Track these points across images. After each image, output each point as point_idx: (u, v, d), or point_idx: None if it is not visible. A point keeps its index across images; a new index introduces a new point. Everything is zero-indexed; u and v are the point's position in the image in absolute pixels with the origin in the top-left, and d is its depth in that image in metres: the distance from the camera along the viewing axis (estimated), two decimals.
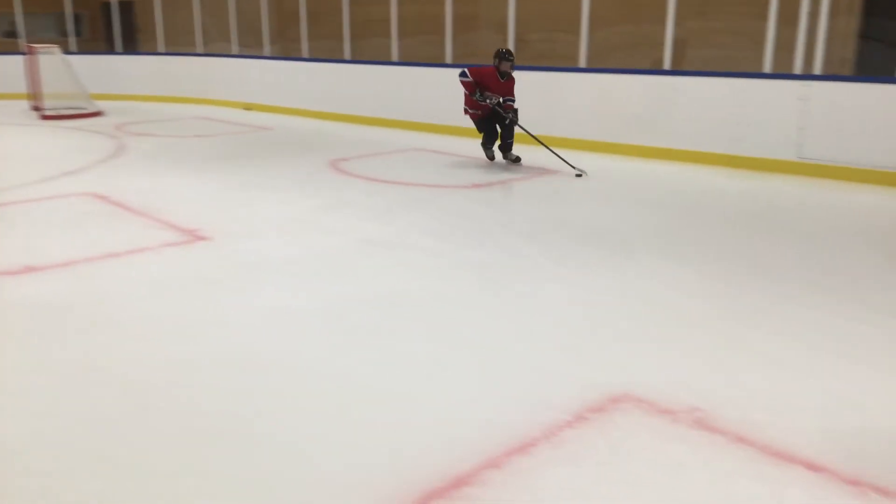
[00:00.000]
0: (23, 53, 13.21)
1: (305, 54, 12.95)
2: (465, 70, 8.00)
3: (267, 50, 13.77)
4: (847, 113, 7.35)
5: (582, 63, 9.37)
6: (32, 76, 12.60)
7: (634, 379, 3.13)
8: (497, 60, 7.95)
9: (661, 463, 2.53)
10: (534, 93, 8.86)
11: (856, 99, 7.30)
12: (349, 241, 5.23)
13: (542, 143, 8.07)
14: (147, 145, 9.70)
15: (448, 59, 10.77)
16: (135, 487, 2.41)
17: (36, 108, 12.60)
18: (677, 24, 8.53)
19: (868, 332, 3.68)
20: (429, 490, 2.36)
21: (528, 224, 6.06)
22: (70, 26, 15.31)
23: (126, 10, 15.69)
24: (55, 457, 2.59)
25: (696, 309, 3.99)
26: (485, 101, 7.92)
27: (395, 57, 11.49)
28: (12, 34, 15.26)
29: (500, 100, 7.92)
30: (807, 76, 7.65)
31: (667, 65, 8.63)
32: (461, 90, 8.11)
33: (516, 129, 8.10)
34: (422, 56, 11.24)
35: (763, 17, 7.90)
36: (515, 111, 8.01)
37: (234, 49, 14.28)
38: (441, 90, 10.77)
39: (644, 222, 5.97)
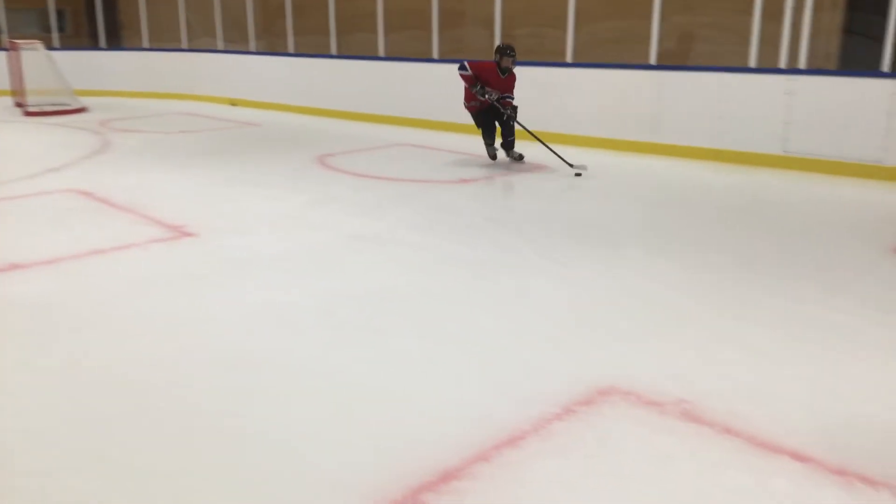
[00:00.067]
0: (5, 49, 13.11)
1: (291, 49, 12.90)
2: (465, 63, 7.77)
3: (252, 45, 13.70)
4: (832, 107, 7.40)
5: (569, 58, 9.38)
6: (15, 72, 12.49)
7: (622, 371, 3.15)
8: (498, 56, 7.75)
9: (648, 454, 2.55)
10: (522, 88, 8.86)
11: (840, 93, 7.35)
12: (337, 237, 5.23)
13: (541, 141, 7.93)
14: (132, 141, 9.64)
15: (435, 55, 10.76)
16: (126, 486, 2.40)
17: (19, 105, 12.49)
18: (663, 18, 8.55)
19: (853, 324, 3.71)
20: (418, 484, 2.36)
21: (515, 219, 6.07)
22: (53, 22, 15.17)
23: (110, 5, 15.56)
24: (44, 456, 2.57)
25: (682, 302, 4.01)
26: (483, 97, 7.73)
27: (381, 52, 11.46)
28: None
29: (498, 96, 7.73)
30: (792, 71, 7.70)
31: (653, 59, 8.65)
32: (449, 85, 8.12)
33: (516, 126, 7.94)
34: (408, 51, 11.22)
35: (748, 11, 7.94)
36: (514, 108, 7.81)
37: (220, 44, 14.20)
38: (428, 85, 10.78)
39: (631, 216, 6.00)
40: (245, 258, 4.76)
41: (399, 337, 3.56)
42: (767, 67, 7.89)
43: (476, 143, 9.16)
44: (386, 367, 3.24)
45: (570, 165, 7.50)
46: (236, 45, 13.99)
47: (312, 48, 12.62)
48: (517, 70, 7.87)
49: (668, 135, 8.52)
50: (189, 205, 6.15)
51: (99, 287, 4.23)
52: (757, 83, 7.88)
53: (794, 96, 7.60)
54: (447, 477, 2.40)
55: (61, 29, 15.57)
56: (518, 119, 7.84)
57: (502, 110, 7.79)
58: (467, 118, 9.96)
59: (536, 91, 9.12)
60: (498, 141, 8.06)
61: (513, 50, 7.73)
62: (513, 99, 7.83)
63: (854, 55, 7.90)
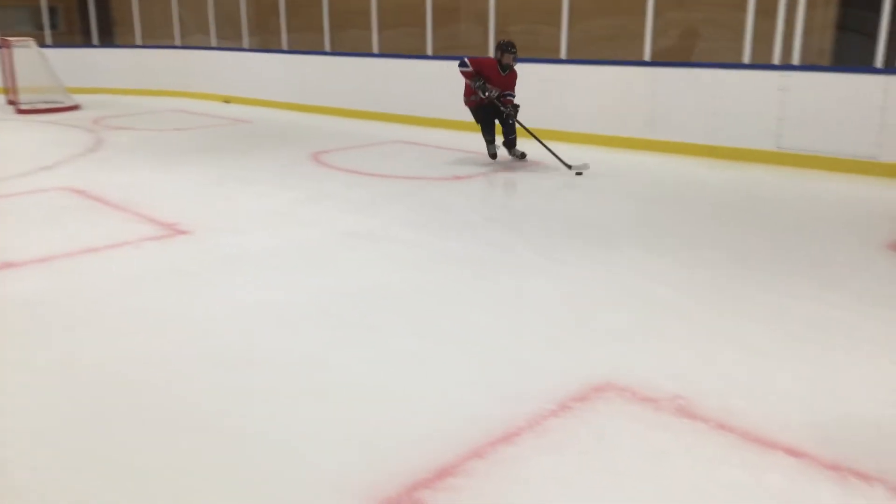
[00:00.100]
0: None
1: (285, 46, 12.86)
2: (465, 59, 7.61)
3: (246, 42, 13.66)
4: (825, 103, 7.41)
5: (563, 55, 9.38)
6: (7, 70, 12.43)
7: (617, 368, 3.15)
8: (499, 53, 7.59)
9: (643, 450, 2.55)
10: (520, 85, 8.85)
11: (834, 89, 7.36)
12: (331, 235, 5.22)
13: (541, 142, 7.73)
14: (125, 139, 9.61)
15: (429, 51, 10.74)
16: (123, 484, 2.39)
17: (11, 103, 12.44)
18: (657, 15, 8.55)
19: (848, 320, 3.72)
20: (413, 481, 2.36)
21: (510, 216, 6.08)
22: (45, 19, 15.11)
23: (102, 2, 15.50)
24: (42, 455, 2.57)
25: (677, 299, 4.02)
26: (485, 94, 7.55)
27: (375, 49, 11.44)
28: None
29: (500, 93, 7.57)
30: (785, 67, 7.70)
31: (647, 56, 8.66)
32: (443, 82, 8.09)
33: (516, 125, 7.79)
34: (402, 48, 11.21)
35: (742, 8, 7.94)
36: (515, 107, 7.64)
37: (213, 41, 14.16)
38: (422, 82, 10.77)
39: (625, 213, 6.00)
40: (239, 255, 4.75)
41: (393, 334, 3.56)
42: (761, 64, 7.89)
43: (469, 139, 9.17)
44: (380, 365, 3.23)
45: (569, 167, 7.31)
46: (230, 42, 13.95)
47: (306, 45, 12.60)
48: (517, 67, 7.73)
49: (662, 131, 8.53)
50: (183, 202, 6.13)
51: (93, 285, 4.22)
52: (751, 79, 7.89)
53: (787, 92, 7.61)
54: (443, 474, 2.40)
55: (54, 26, 15.50)
56: (517, 118, 7.71)
57: (502, 109, 7.63)
58: (461, 115, 9.93)
59: (531, 88, 9.12)
60: (499, 139, 7.93)
61: (514, 47, 7.58)
62: (514, 97, 7.69)
63: (847, 51, 7.92)
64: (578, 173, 7.24)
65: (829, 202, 6.27)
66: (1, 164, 7.95)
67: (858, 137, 7.23)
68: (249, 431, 2.70)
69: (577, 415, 2.77)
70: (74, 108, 12.41)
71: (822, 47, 8.08)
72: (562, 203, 6.34)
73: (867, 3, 7.31)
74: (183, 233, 5.18)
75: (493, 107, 7.69)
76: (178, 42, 14.69)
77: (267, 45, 13.51)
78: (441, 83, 10.53)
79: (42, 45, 13.30)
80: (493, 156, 7.92)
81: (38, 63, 12.46)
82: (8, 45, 12.37)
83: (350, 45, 11.99)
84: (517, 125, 7.79)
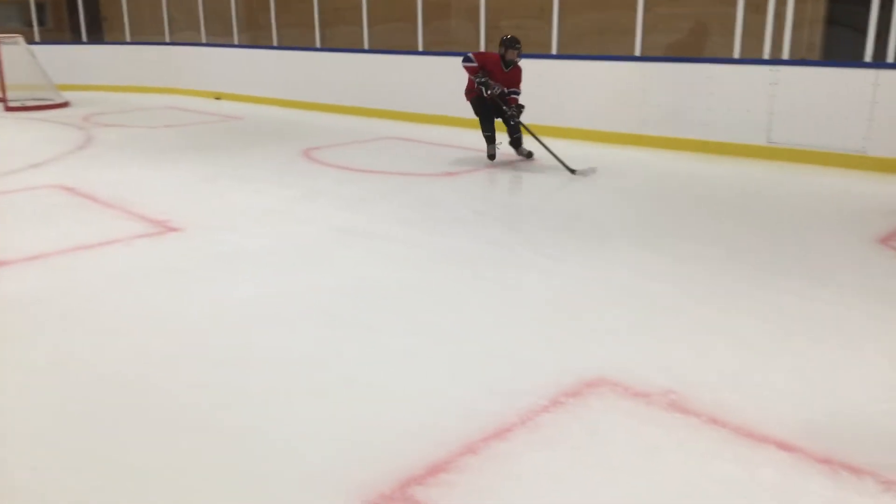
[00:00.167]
0: None
1: (275, 42, 12.83)
2: (470, 55, 7.39)
3: (236, 38, 13.62)
4: (815, 97, 7.43)
5: (553, 50, 9.38)
6: None
7: (609, 363, 3.16)
8: (503, 48, 7.34)
9: (636, 445, 2.56)
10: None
11: (824, 83, 7.39)
12: (323, 231, 5.21)
13: (545, 145, 7.44)
14: (115, 136, 9.57)
15: (420, 47, 10.73)
16: (118, 484, 2.39)
17: (0, 100, 12.36)
18: (647, 10, 8.56)
19: (839, 314, 3.74)
20: (406, 477, 2.36)
21: (503, 212, 6.08)
22: (34, 16, 15.01)
23: None
24: (40, 455, 2.56)
25: (669, 293, 4.03)
26: (488, 92, 7.30)
27: (366, 45, 11.42)
28: None
29: (504, 91, 7.34)
30: (775, 61, 7.72)
31: (637, 51, 8.67)
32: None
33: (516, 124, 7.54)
34: (393, 43, 11.19)
35: (731, 2, 7.96)
36: (519, 107, 7.40)
37: (203, 38, 14.10)
38: (413, 78, 10.75)
39: (618, 208, 6.01)
40: (231, 253, 4.74)
41: (386, 331, 3.55)
42: (751, 58, 7.91)
43: (461, 135, 9.19)
44: (374, 362, 3.23)
45: (572, 171, 7.06)
46: (219, 38, 13.90)
47: (296, 41, 12.57)
48: (521, 63, 7.50)
49: (653, 126, 8.54)
50: (174, 200, 6.11)
51: (86, 283, 4.20)
52: (741, 74, 7.91)
53: (778, 87, 7.63)
54: (435, 470, 2.40)
55: (42, 23, 15.41)
56: (520, 119, 7.49)
57: (505, 108, 7.39)
58: (453, 111, 9.95)
59: (522, 84, 9.11)
60: (501, 137, 7.65)
61: (518, 42, 7.34)
62: (519, 94, 7.45)
63: (837, 46, 7.94)
64: (583, 175, 7.05)
65: (819, 196, 6.29)
66: None
67: (848, 132, 7.25)
68: (244, 429, 2.69)
69: (569, 410, 2.78)
70: (64, 105, 12.35)
71: (812, 42, 8.11)
72: (554, 199, 6.34)
73: None
74: (174, 230, 5.17)
75: (495, 104, 7.46)
76: (167, 38, 14.63)
77: (257, 41, 13.47)
78: (432, 79, 10.54)
79: (30, 41, 13.21)
80: (492, 157, 7.63)
81: (26, 60, 12.38)
82: None
83: (341, 41, 11.96)
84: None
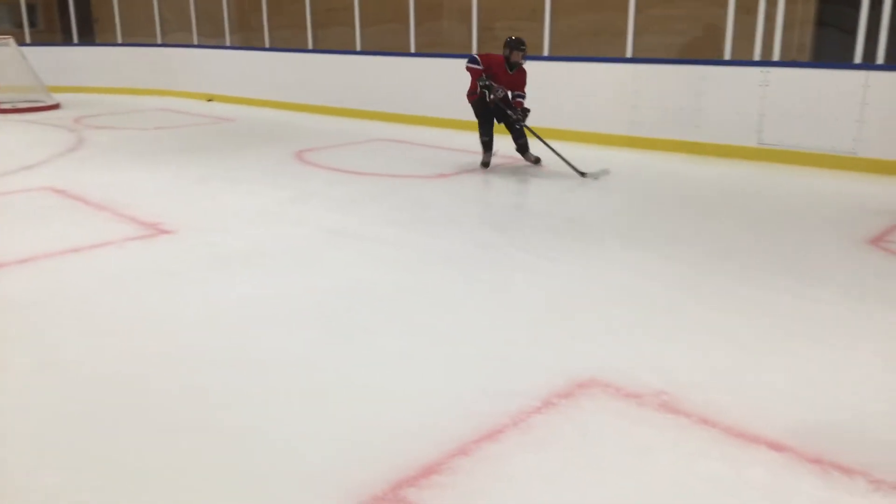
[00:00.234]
0: None
1: (267, 44, 12.81)
2: (475, 56, 7.18)
3: (228, 40, 13.60)
4: (806, 98, 7.47)
5: (546, 51, 9.39)
6: None
7: (601, 364, 3.16)
8: (507, 50, 7.11)
9: (627, 446, 2.57)
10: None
11: (814, 85, 7.42)
12: (316, 233, 5.21)
13: (553, 149, 7.25)
14: (107, 138, 9.54)
15: (412, 49, 10.73)
16: (117, 484, 2.39)
17: None
18: (638, 11, 8.58)
19: (829, 314, 3.76)
20: (398, 478, 2.36)
21: (493, 213, 6.09)
22: (24, 17, 14.96)
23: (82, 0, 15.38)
24: (39, 456, 2.56)
25: (660, 294, 4.04)
26: (490, 97, 7.10)
27: (358, 46, 11.42)
28: None
29: (509, 94, 7.16)
30: (766, 63, 7.76)
31: (629, 53, 8.69)
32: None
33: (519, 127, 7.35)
34: (385, 45, 11.19)
35: (722, 4, 7.99)
36: (525, 110, 7.19)
37: (194, 39, 14.08)
38: (405, 80, 10.76)
39: (609, 209, 6.02)
40: (224, 255, 4.73)
41: (378, 332, 3.55)
42: (742, 60, 7.95)
43: (452, 136, 9.22)
44: (366, 363, 3.23)
45: (583, 175, 6.95)
46: (211, 39, 13.88)
47: (288, 42, 12.56)
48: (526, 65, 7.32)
49: (644, 128, 8.56)
50: (166, 202, 6.10)
51: (79, 285, 4.19)
52: (732, 75, 7.94)
53: (768, 88, 7.67)
54: (427, 471, 2.40)
55: (33, 24, 15.36)
56: (526, 123, 7.30)
57: (510, 112, 7.20)
58: (445, 112, 9.95)
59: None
60: (497, 146, 7.52)
61: (524, 44, 7.12)
62: (524, 98, 7.25)
63: (827, 47, 7.98)
64: (595, 177, 6.96)
65: (809, 197, 6.32)
66: None
67: (838, 133, 7.29)
68: (242, 429, 2.69)
69: (561, 411, 2.78)
70: (55, 107, 12.31)
71: (802, 43, 8.14)
72: (546, 200, 6.36)
73: None
74: (166, 232, 5.16)
75: (497, 107, 7.25)
76: (159, 40, 14.60)
77: (249, 42, 13.45)
78: (424, 81, 10.54)
79: (21, 43, 13.17)
80: (486, 165, 7.43)
81: (17, 61, 12.35)
82: None
83: (333, 43, 11.95)
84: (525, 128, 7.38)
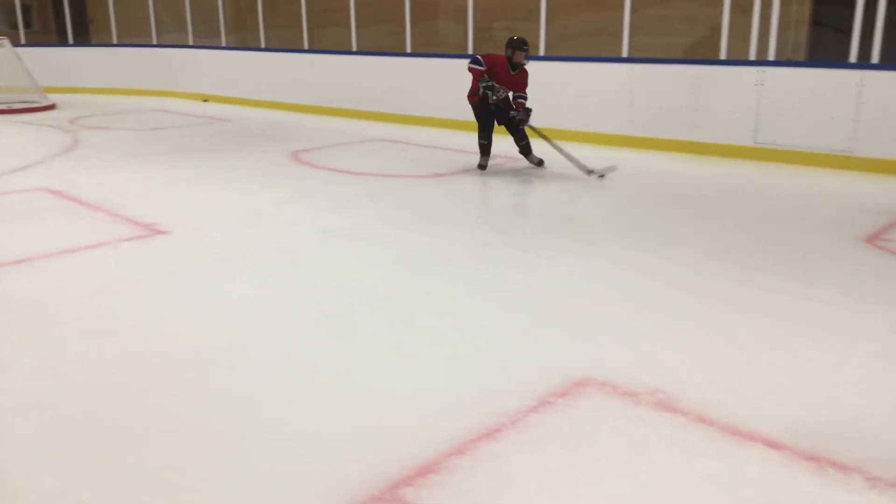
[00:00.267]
0: None
1: (263, 44, 12.80)
2: (478, 57, 7.03)
3: (223, 40, 13.58)
4: (801, 98, 7.49)
5: (542, 51, 9.40)
6: None
7: (598, 363, 3.17)
8: (510, 50, 7.00)
9: (624, 444, 2.57)
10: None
11: (809, 84, 7.44)
12: (313, 233, 5.20)
13: (558, 147, 7.19)
14: (102, 139, 9.53)
15: (408, 49, 10.73)
16: (117, 485, 2.38)
17: None
18: (634, 11, 8.59)
19: (825, 313, 3.77)
20: (396, 478, 2.36)
21: (491, 213, 6.09)
22: (19, 18, 14.93)
23: (77, 0, 15.34)
24: (38, 455, 2.56)
25: (657, 293, 4.04)
26: (492, 98, 7.01)
27: (354, 46, 11.42)
28: None
29: (510, 95, 7.05)
30: (761, 62, 7.77)
31: (625, 52, 8.70)
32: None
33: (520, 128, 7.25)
34: (381, 45, 11.19)
35: (718, 4, 8.00)
36: (527, 111, 7.08)
37: (190, 39, 14.06)
38: (401, 80, 10.76)
39: (606, 209, 6.03)
40: (220, 255, 4.72)
41: (375, 332, 3.55)
42: (738, 60, 7.96)
43: (448, 136, 9.21)
44: (362, 362, 3.23)
45: (589, 172, 6.93)
46: (207, 40, 13.86)
47: (284, 43, 12.55)
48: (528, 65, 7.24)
49: (641, 127, 8.57)
50: (161, 202, 6.09)
51: (76, 286, 4.17)
52: (728, 75, 7.95)
53: (764, 88, 7.68)
54: (425, 471, 2.40)
55: (28, 25, 15.33)
56: (530, 123, 7.21)
57: (513, 113, 7.10)
58: (440, 112, 9.94)
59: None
60: (500, 141, 7.45)
61: (526, 44, 7.03)
62: (526, 99, 7.14)
63: (822, 46, 8.00)
64: (601, 176, 6.93)
65: (806, 197, 6.33)
66: None
67: (834, 132, 7.31)
68: (237, 430, 2.68)
69: (558, 410, 2.78)
70: (50, 107, 12.29)
71: (798, 43, 8.16)
72: (543, 200, 6.36)
73: None
74: (162, 233, 5.15)
75: (499, 109, 7.15)
76: (154, 40, 14.57)
77: (245, 42, 13.44)
78: (420, 81, 10.55)
79: (16, 44, 13.15)
80: (483, 167, 7.31)
81: (12, 62, 12.32)
82: None
83: (329, 43, 11.95)
84: (526, 129, 7.30)
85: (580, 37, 9.48)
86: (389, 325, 3.64)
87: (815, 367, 3.17)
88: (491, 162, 7.49)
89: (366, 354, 3.31)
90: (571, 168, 7.15)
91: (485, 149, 7.32)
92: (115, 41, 14.80)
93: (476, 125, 7.44)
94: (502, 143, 8.09)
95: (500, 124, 7.35)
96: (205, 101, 13.52)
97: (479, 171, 7.32)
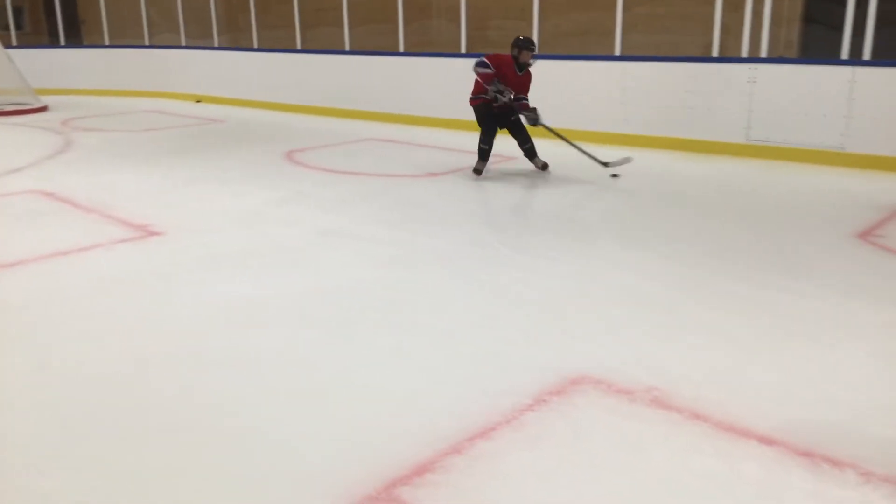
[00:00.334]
0: None
1: (256, 44, 12.78)
2: (485, 60, 6.79)
3: (216, 40, 13.55)
4: (793, 95, 7.51)
5: (535, 50, 9.38)
6: None
7: (593, 361, 3.17)
8: (516, 50, 6.81)
9: (619, 442, 2.58)
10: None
11: (801, 81, 7.46)
12: (308, 234, 5.20)
13: (572, 143, 7.14)
14: (95, 140, 9.50)
15: (401, 48, 10.72)
16: (113, 485, 2.39)
17: None
18: (626, 9, 8.61)
19: (819, 309, 3.78)
20: (392, 478, 2.37)
21: (486, 212, 6.10)
22: (10, 19, 14.88)
23: (69, 1, 15.28)
24: (38, 455, 2.56)
25: (651, 291, 4.05)
26: (506, 99, 6.81)
27: (347, 46, 11.40)
28: None
29: (512, 97, 6.86)
30: (753, 59, 7.79)
31: (617, 51, 8.71)
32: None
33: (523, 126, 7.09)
34: (374, 45, 11.18)
35: (710, 1, 8.02)
36: (534, 110, 6.92)
37: (182, 40, 14.03)
38: (394, 79, 10.75)
39: (600, 207, 6.04)
40: (217, 256, 4.72)
41: (371, 332, 3.56)
42: (730, 57, 7.98)
43: (441, 136, 9.20)
44: (358, 362, 3.23)
45: (605, 165, 6.91)
46: (199, 40, 13.83)
47: (277, 43, 12.52)
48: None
49: (633, 125, 8.58)
50: (155, 204, 6.07)
51: (72, 288, 4.17)
52: (720, 72, 7.97)
53: (756, 85, 7.70)
54: (421, 470, 2.41)
55: (19, 26, 15.27)
56: (544, 122, 7.02)
57: (526, 114, 6.96)
58: (433, 111, 9.93)
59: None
60: (500, 141, 7.24)
61: (533, 44, 6.87)
62: (528, 101, 7.01)
63: (814, 43, 8.02)
64: (614, 175, 6.92)
65: (798, 193, 6.35)
66: None
67: (826, 128, 7.33)
68: (236, 430, 2.69)
69: (553, 408, 2.79)
70: (42, 109, 12.25)
71: (790, 39, 8.19)
72: (535, 198, 6.37)
73: None
74: (156, 234, 5.14)
75: (502, 112, 6.95)
76: (146, 41, 14.53)
77: (237, 43, 13.41)
78: (414, 80, 10.54)
79: (7, 45, 13.10)
80: (479, 173, 7.04)
81: (3, 64, 12.28)
82: None
83: (322, 43, 11.94)
84: (527, 130, 7.12)
85: (573, 35, 9.49)
86: (384, 325, 3.64)
87: (809, 364, 3.18)
88: (489, 161, 7.42)
89: (365, 354, 3.32)
90: (566, 167, 7.16)
91: (484, 154, 7.05)
92: (106, 42, 14.75)
93: (474, 126, 7.29)
94: (498, 142, 8.08)
95: (501, 128, 7.17)
96: (198, 101, 13.49)
97: (474, 175, 7.11)
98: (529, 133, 7.19)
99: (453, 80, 9.78)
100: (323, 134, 9.87)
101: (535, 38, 9.31)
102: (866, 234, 5.03)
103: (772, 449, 2.52)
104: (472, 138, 8.03)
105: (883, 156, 7.08)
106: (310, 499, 2.30)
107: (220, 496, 2.33)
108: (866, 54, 7.13)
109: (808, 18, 8.15)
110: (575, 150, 7.13)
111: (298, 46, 12.10)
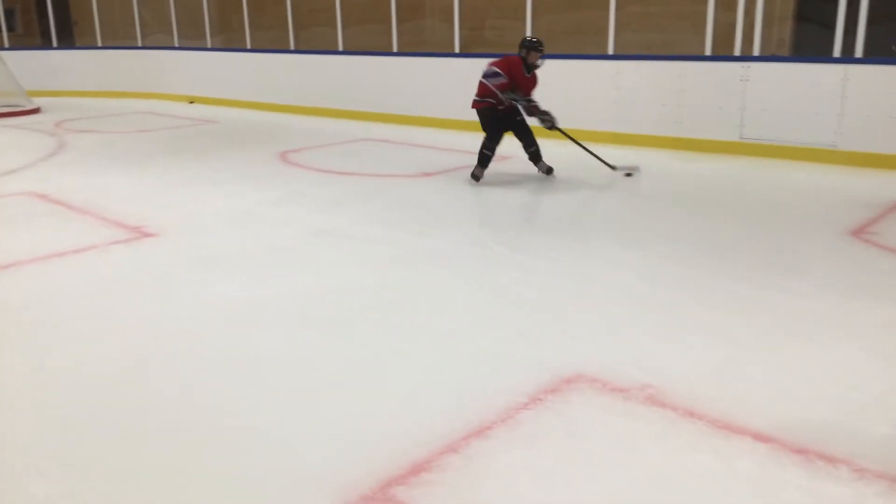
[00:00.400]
0: None
1: (249, 45, 12.76)
2: (496, 70, 6.55)
3: (209, 41, 13.52)
4: (786, 93, 7.53)
5: (543, 51, 9.39)
6: None
7: (588, 359, 3.18)
8: (524, 51, 6.65)
9: (614, 440, 2.58)
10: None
11: (794, 79, 7.48)
12: (303, 234, 5.20)
13: (582, 145, 7.11)
14: (88, 142, 9.48)
15: (394, 48, 10.72)
16: (113, 485, 2.39)
17: None
18: (619, 8, 8.62)
19: (812, 307, 3.79)
20: (388, 477, 2.37)
21: (481, 212, 6.10)
22: (2, 21, 14.83)
23: (61, 3, 15.23)
24: (39, 456, 2.56)
25: (646, 290, 4.06)
26: (526, 104, 6.69)
27: (340, 46, 11.40)
28: None
29: (519, 99, 6.70)
30: (746, 58, 7.81)
31: (611, 50, 8.73)
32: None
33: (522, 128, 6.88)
34: (368, 45, 11.17)
35: (703, 0, 8.03)
36: (547, 113, 6.82)
37: (175, 41, 14.00)
38: (388, 80, 10.74)
39: (595, 206, 6.06)
40: (208, 256, 4.72)
41: (367, 331, 3.56)
42: (723, 55, 8.00)
43: (436, 136, 9.20)
44: (354, 361, 3.24)
45: (613, 168, 6.92)
46: (192, 41, 13.79)
47: (270, 43, 12.51)
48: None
49: (627, 124, 8.60)
50: (149, 205, 6.07)
51: (68, 289, 4.17)
52: (713, 71, 7.98)
53: (749, 83, 7.72)
54: (417, 469, 2.41)
55: (11, 28, 15.22)
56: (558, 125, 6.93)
57: (541, 116, 6.82)
58: (429, 111, 9.92)
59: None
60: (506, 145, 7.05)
61: (542, 45, 6.71)
62: (536, 102, 6.86)
63: (807, 41, 8.05)
64: (628, 174, 6.89)
65: (791, 191, 6.37)
66: None
67: (819, 126, 7.35)
68: (236, 430, 2.69)
69: (549, 407, 2.80)
70: (35, 111, 12.21)
71: (782, 38, 8.21)
72: (531, 197, 6.37)
73: None
74: (150, 235, 5.13)
75: (507, 113, 6.76)
76: (139, 42, 14.49)
77: (231, 43, 13.39)
78: (407, 80, 10.54)
79: None
80: (477, 178, 6.77)
81: None
82: None
83: (315, 43, 11.92)
84: (531, 131, 6.92)
85: (566, 34, 9.50)
86: (380, 324, 3.64)
87: (802, 361, 3.20)
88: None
89: (355, 353, 3.32)
90: (561, 166, 7.16)
91: (486, 160, 6.76)
92: (99, 44, 14.70)
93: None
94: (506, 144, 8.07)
95: (506, 131, 6.97)
96: (191, 102, 13.46)
97: (466, 162, 6.98)
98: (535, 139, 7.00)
99: (447, 80, 9.80)
100: (317, 134, 9.86)
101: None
102: (859, 232, 5.05)
103: (767, 446, 2.53)
104: (468, 137, 8.07)
105: (875, 153, 7.10)
106: (309, 498, 2.31)
107: (219, 496, 2.34)
108: (858, 52, 7.16)
109: (801, 17, 8.17)
110: (577, 150, 7.13)
111: (292, 47, 12.09)
